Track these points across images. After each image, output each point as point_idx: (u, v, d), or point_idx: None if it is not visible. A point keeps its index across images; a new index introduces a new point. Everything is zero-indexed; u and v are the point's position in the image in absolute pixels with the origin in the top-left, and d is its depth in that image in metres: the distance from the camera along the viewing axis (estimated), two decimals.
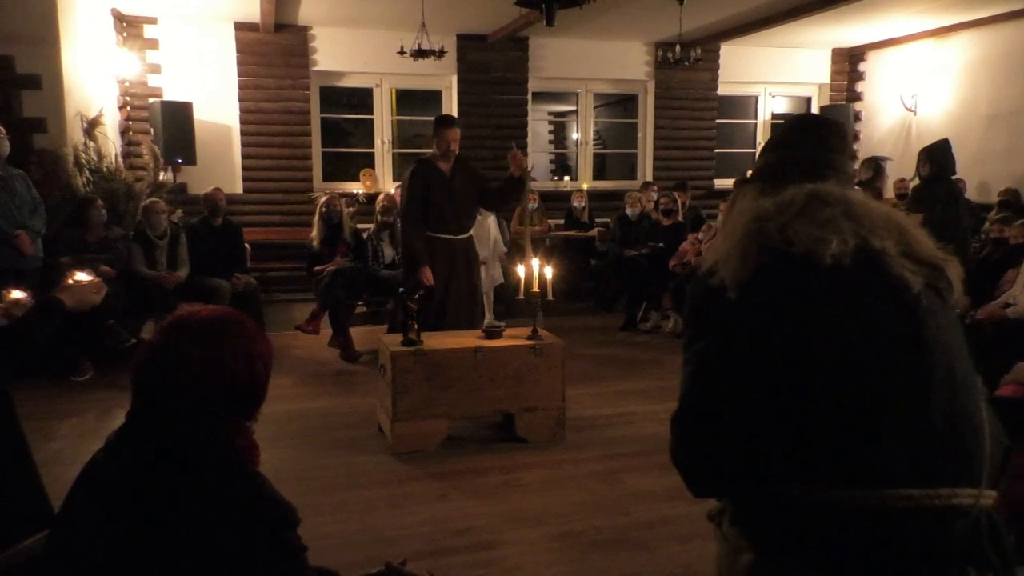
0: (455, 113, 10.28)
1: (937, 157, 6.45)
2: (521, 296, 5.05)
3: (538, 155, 11.83)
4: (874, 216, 1.51)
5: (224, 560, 1.47)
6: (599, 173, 11.62)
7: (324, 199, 7.58)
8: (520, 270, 5.04)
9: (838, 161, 1.63)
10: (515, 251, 8.24)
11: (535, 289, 4.97)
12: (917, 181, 7.16)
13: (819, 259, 1.43)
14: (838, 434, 1.38)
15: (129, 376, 1.61)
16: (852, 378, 1.39)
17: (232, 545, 1.48)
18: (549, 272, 5.05)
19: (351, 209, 8.44)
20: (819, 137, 1.66)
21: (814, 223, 1.47)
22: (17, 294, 2.46)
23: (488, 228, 7.68)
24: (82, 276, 2.53)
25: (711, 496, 1.59)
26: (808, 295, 1.43)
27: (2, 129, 5.98)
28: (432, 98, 10.62)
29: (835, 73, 11.60)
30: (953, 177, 6.58)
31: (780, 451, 1.41)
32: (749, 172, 1.83)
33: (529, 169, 5.64)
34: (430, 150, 5.85)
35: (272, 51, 9.54)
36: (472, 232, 6.05)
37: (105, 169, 7.61)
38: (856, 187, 7.58)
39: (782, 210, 1.51)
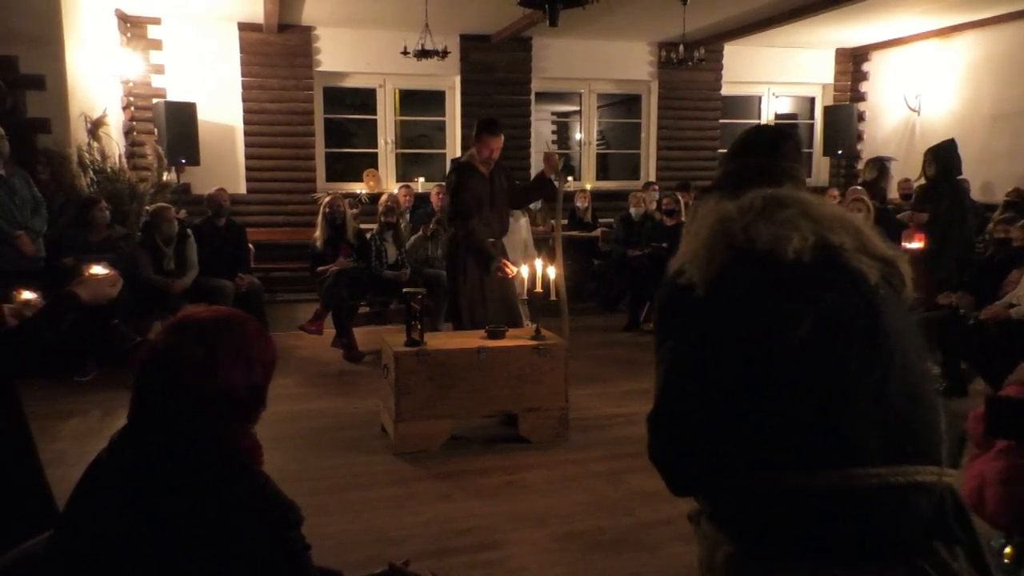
0: (458, 113, 10.30)
1: (943, 157, 6.44)
2: (525, 296, 5.04)
3: (541, 156, 11.81)
4: (831, 216, 1.59)
5: (227, 559, 1.47)
6: (602, 173, 11.61)
7: (327, 199, 7.58)
8: (525, 269, 5.04)
9: (791, 168, 1.75)
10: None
11: (538, 289, 4.98)
12: (923, 181, 7.15)
13: (781, 255, 1.51)
14: (804, 420, 1.44)
15: (132, 376, 1.61)
16: (816, 364, 1.45)
17: (235, 544, 1.48)
18: (552, 272, 5.05)
19: (354, 210, 8.44)
20: (773, 146, 1.78)
21: (774, 223, 1.55)
22: (28, 295, 2.47)
23: (519, 231, 7.69)
24: (98, 269, 2.53)
25: (689, 493, 1.63)
26: (772, 288, 1.50)
27: (1, 130, 5.98)
28: (435, 98, 10.62)
29: (839, 73, 11.59)
30: (959, 177, 6.57)
31: (751, 443, 1.46)
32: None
33: (562, 168, 5.57)
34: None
35: (276, 51, 9.55)
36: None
37: (109, 169, 7.63)
38: (860, 186, 7.54)
39: (743, 212, 1.58)
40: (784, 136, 1.83)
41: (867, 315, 1.49)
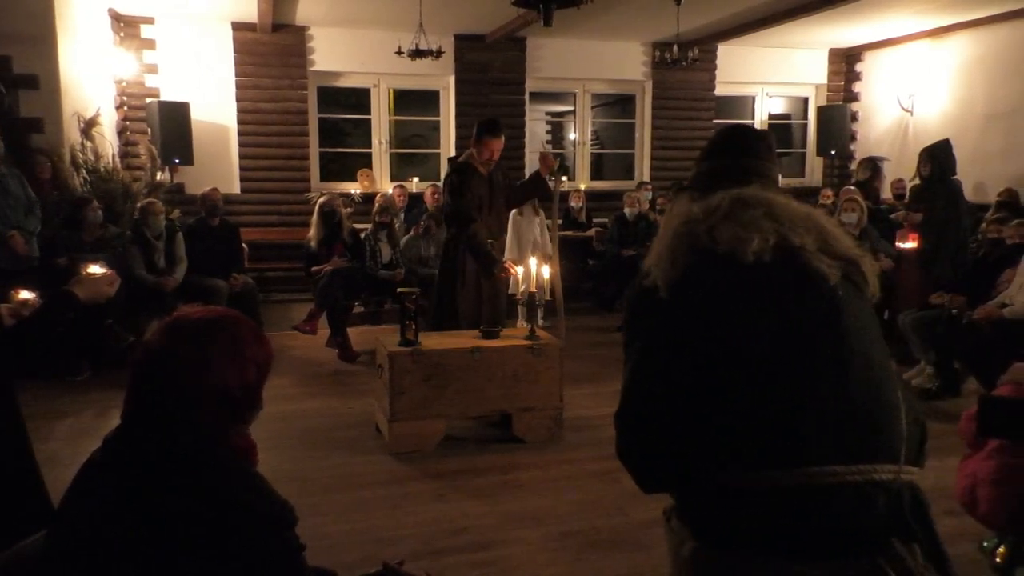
0: (452, 113, 10.29)
1: (938, 157, 6.46)
2: (519, 296, 5.04)
3: (535, 155, 11.82)
4: (795, 216, 1.60)
5: (221, 559, 1.47)
6: (596, 173, 11.62)
7: (323, 199, 7.57)
8: (520, 269, 5.04)
9: (763, 167, 1.75)
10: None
11: (533, 289, 4.98)
12: (917, 181, 7.17)
13: (742, 256, 1.53)
14: (765, 419, 1.47)
15: (126, 376, 1.61)
16: (776, 365, 1.48)
17: (229, 544, 1.48)
18: (547, 272, 5.05)
19: (348, 210, 8.44)
20: (745, 146, 1.78)
21: (738, 224, 1.56)
22: (25, 294, 2.46)
23: (533, 229, 7.70)
24: (95, 268, 2.52)
25: (658, 491, 1.64)
26: (733, 290, 1.52)
27: None
28: (430, 98, 10.61)
29: (832, 73, 11.61)
30: (954, 177, 6.59)
31: (715, 443, 1.49)
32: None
33: (558, 168, 5.56)
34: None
35: (270, 51, 9.53)
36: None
37: (102, 169, 7.62)
38: (851, 186, 7.56)
39: (709, 214, 1.61)
40: (755, 135, 1.84)
41: (826, 315, 1.52)
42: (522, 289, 5.01)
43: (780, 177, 1.91)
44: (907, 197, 8.10)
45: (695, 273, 1.56)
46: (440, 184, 7.38)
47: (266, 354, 1.68)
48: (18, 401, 2.36)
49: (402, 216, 8.73)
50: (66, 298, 2.35)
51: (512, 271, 5.46)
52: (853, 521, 1.45)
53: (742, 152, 1.77)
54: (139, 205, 7.27)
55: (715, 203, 1.62)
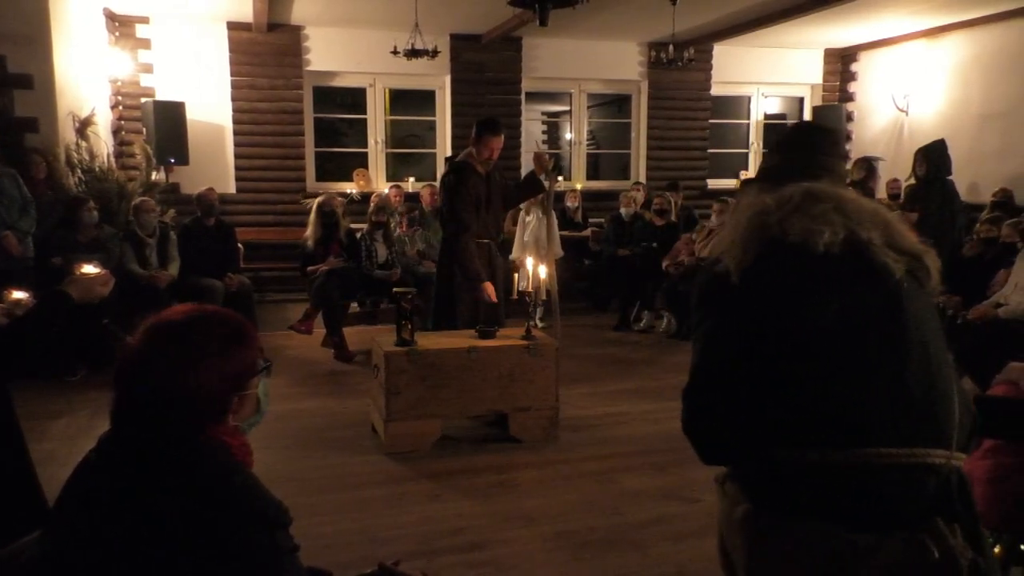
0: (448, 113, 10.29)
1: (933, 157, 6.47)
2: (515, 296, 5.04)
3: (531, 155, 11.84)
4: (863, 211, 1.68)
5: (215, 560, 1.47)
6: (592, 173, 11.63)
7: (320, 199, 7.56)
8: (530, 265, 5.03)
9: (831, 163, 1.84)
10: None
11: (530, 289, 4.98)
12: (913, 181, 7.17)
13: (812, 247, 1.61)
14: (826, 401, 1.56)
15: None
16: (838, 351, 1.57)
17: (223, 545, 1.47)
18: (543, 271, 5.05)
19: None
20: (814, 142, 1.88)
21: (808, 217, 1.64)
22: (18, 294, 2.45)
23: (540, 229, 7.69)
24: (89, 268, 2.50)
25: (719, 463, 1.74)
26: (802, 278, 1.61)
27: None
28: (425, 98, 10.61)
29: (827, 73, 11.64)
30: (949, 177, 6.59)
31: (776, 422, 1.59)
32: (743, 173, 2.03)
33: (552, 168, 5.56)
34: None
35: (265, 51, 9.52)
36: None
37: (97, 169, 7.60)
38: (849, 187, 7.58)
39: (781, 205, 1.68)
40: (825, 132, 1.95)
41: (889, 307, 1.60)
42: (529, 288, 4.99)
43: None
44: (902, 197, 8.10)
45: (765, 261, 1.64)
46: (437, 184, 7.37)
47: (249, 352, 1.67)
48: (13, 401, 2.35)
49: (397, 216, 8.72)
50: (59, 298, 2.34)
51: (492, 297, 5.37)
52: (903, 499, 1.54)
53: (811, 147, 1.86)
54: (132, 203, 7.26)
55: (787, 195, 1.69)
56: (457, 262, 5.38)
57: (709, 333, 1.67)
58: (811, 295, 1.59)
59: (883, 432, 1.54)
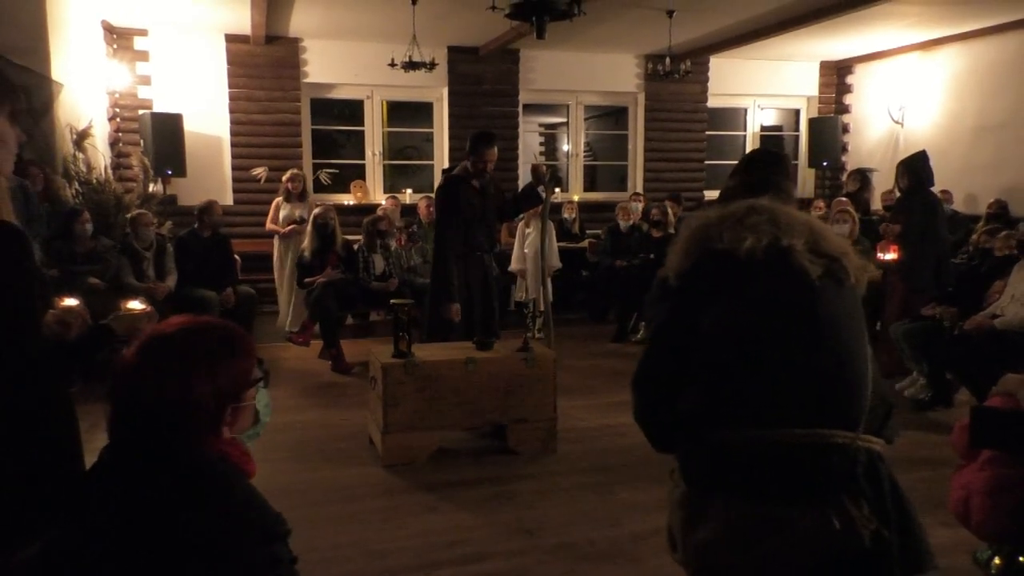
0: (445, 125, 10.31)
1: (915, 169, 6.46)
2: (512, 307, 5.04)
3: (528, 167, 11.88)
4: (793, 221, 1.87)
5: (214, 572, 1.46)
6: (590, 185, 11.65)
7: (317, 210, 7.56)
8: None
9: (776, 181, 2.11)
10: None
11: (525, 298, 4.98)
12: (897, 193, 7.18)
13: (736, 253, 1.79)
14: (746, 387, 1.75)
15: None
16: (755, 342, 1.76)
17: (222, 556, 1.47)
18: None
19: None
20: (764, 164, 2.20)
21: (741, 227, 1.84)
22: (70, 301, 2.46)
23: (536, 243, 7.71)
24: (135, 304, 2.56)
25: (668, 450, 1.92)
26: (727, 279, 1.80)
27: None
28: (423, 110, 10.64)
29: (823, 86, 11.69)
30: (931, 188, 6.58)
31: (706, 403, 1.78)
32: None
33: (549, 179, 5.60)
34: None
35: (263, 63, 9.54)
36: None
37: (94, 181, 7.59)
38: (843, 197, 7.61)
39: (723, 219, 1.88)
40: (773, 156, 2.27)
41: (803, 304, 1.77)
42: (526, 298, 5.01)
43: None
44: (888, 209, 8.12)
45: (700, 265, 1.84)
46: (433, 196, 7.37)
47: (243, 364, 1.67)
48: (76, 412, 2.35)
49: (394, 230, 8.72)
50: (103, 333, 2.38)
51: (457, 316, 5.47)
52: (811, 475, 1.71)
53: (762, 169, 2.16)
54: (129, 216, 7.26)
55: (731, 210, 1.90)
56: (434, 274, 5.50)
57: (654, 331, 1.92)
58: (734, 294, 1.78)
59: (792, 414, 1.71)
